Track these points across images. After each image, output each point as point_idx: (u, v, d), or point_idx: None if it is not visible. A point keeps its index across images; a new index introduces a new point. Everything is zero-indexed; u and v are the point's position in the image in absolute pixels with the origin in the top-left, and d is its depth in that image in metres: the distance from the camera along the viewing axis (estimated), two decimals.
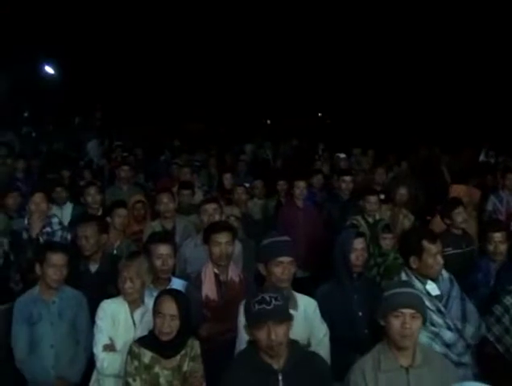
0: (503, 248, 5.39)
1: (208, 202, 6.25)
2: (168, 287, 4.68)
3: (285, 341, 3.19)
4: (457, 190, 7.50)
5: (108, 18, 23.81)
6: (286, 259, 4.11)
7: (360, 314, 4.48)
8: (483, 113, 19.28)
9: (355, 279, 4.67)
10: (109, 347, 4.24)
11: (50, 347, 4.53)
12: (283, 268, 4.09)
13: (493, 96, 19.36)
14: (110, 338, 4.27)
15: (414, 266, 4.31)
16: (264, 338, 3.13)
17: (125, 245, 6.12)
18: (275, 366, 3.20)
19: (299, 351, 3.34)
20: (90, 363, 4.49)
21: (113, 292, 4.56)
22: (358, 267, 4.67)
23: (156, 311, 3.87)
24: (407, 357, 3.36)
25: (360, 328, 4.41)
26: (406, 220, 7.30)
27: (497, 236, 5.44)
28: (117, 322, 4.31)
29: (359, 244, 4.72)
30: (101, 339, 4.25)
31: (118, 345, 4.26)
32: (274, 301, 3.14)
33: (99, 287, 4.90)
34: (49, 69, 26.76)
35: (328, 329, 4.27)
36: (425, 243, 4.31)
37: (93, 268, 5.36)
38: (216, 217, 5.99)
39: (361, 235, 4.85)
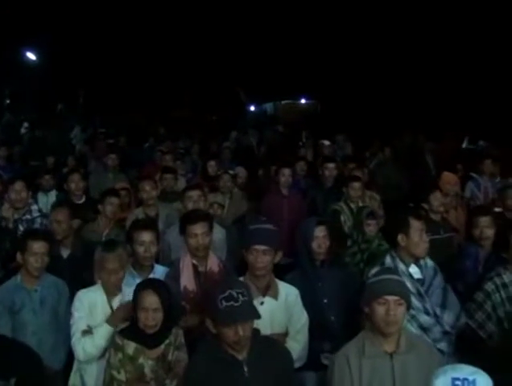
0: (490, 233, 5.38)
1: (193, 188, 6.21)
2: (151, 274, 4.67)
3: (250, 334, 3.20)
4: (448, 178, 7.49)
5: (90, 3, 23.56)
6: (260, 247, 4.08)
7: (325, 301, 4.48)
8: (466, 100, 19.34)
9: (318, 267, 4.67)
10: (88, 333, 4.21)
11: (32, 335, 4.51)
12: (257, 257, 4.07)
13: (475, 84, 19.42)
14: (89, 327, 4.24)
15: (402, 244, 4.33)
16: (231, 335, 3.13)
17: (115, 233, 6.06)
18: (240, 357, 3.21)
19: (261, 340, 3.35)
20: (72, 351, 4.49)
21: (88, 278, 4.59)
22: (321, 255, 4.66)
23: (139, 306, 3.83)
24: (392, 343, 3.37)
25: (326, 315, 4.42)
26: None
27: (484, 220, 5.43)
28: (95, 311, 4.29)
29: (320, 231, 4.69)
30: (78, 329, 4.22)
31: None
32: (241, 298, 3.13)
33: (71, 272, 4.93)
34: (31, 55, 26.49)
35: (307, 318, 4.27)
36: (411, 219, 4.37)
37: (65, 253, 5.36)
38: (201, 204, 5.96)
39: (322, 223, 4.81)
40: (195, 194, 6.04)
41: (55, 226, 5.39)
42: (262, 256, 4.09)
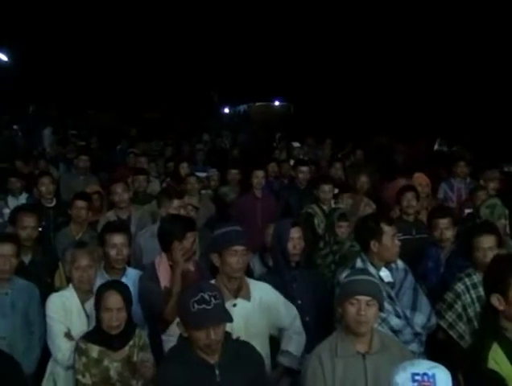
0: (449, 234, 5.42)
1: (177, 197, 6.13)
2: (123, 277, 4.66)
3: (222, 338, 3.18)
4: (419, 179, 7.59)
5: (61, 3, 23.37)
6: (239, 248, 4.07)
7: (299, 302, 4.51)
8: (438, 103, 19.54)
9: (293, 268, 4.71)
10: (69, 336, 4.18)
11: (2, 339, 4.44)
12: (237, 258, 4.04)
13: (446, 87, 19.64)
14: (68, 329, 4.21)
15: (375, 250, 4.36)
16: (203, 338, 3.09)
17: (89, 237, 6.01)
18: (211, 360, 3.17)
19: (233, 343, 3.33)
20: (44, 353, 4.45)
21: (48, 282, 4.67)
22: (296, 256, 4.70)
23: (102, 306, 3.84)
24: (364, 343, 3.39)
25: (301, 316, 4.41)
26: (367, 208, 7.34)
27: (443, 222, 5.45)
28: (70, 314, 4.26)
29: (295, 233, 4.73)
30: (60, 329, 4.19)
31: (74, 337, 4.18)
32: (213, 301, 3.09)
33: (34, 277, 4.90)
34: (2, 56, 26.20)
35: (297, 311, 4.32)
36: (383, 225, 4.39)
37: (26, 259, 5.31)
38: (182, 211, 5.94)
39: (297, 224, 4.87)
40: (182, 203, 6.00)
41: (20, 232, 5.33)
42: (241, 257, 4.07)
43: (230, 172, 8.82)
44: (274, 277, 4.61)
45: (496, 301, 3.06)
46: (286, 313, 4.26)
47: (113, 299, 3.82)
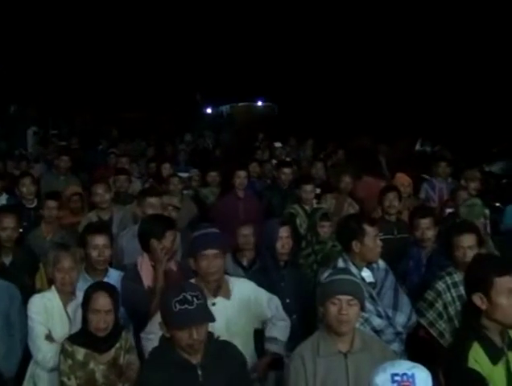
0: (430, 234, 5.44)
1: (154, 195, 6.09)
2: (105, 278, 4.62)
3: (205, 338, 3.17)
4: (401, 179, 7.65)
5: (40, 4, 23.23)
6: (210, 252, 4.02)
7: (287, 300, 4.55)
8: (419, 104, 19.65)
9: (281, 267, 4.77)
10: (50, 339, 4.17)
11: None
12: (209, 262, 4.00)
13: (427, 88, 19.76)
14: (49, 331, 4.20)
15: (356, 250, 4.39)
16: (186, 338, 3.09)
17: (60, 237, 5.99)
18: (193, 361, 3.17)
19: (214, 343, 3.32)
20: (25, 357, 4.40)
21: (29, 283, 4.66)
22: (284, 255, 4.77)
23: (91, 308, 3.81)
24: (346, 343, 3.40)
25: (288, 315, 4.43)
26: (350, 209, 7.36)
27: (424, 222, 5.46)
28: (51, 316, 4.24)
29: (284, 232, 4.81)
30: (41, 331, 4.18)
31: (55, 339, 4.17)
32: (196, 301, 3.08)
33: (15, 279, 4.86)
34: None
35: (279, 300, 4.33)
36: (366, 226, 4.42)
37: (7, 260, 5.29)
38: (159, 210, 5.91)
39: (285, 223, 4.94)
40: (156, 201, 5.97)
41: (0, 233, 5.30)
42: (214, 261, 4.02)
43: (210, 174, 8.83)
44: (259, 276, 4.64)
45: (478, 300, 3.08)
46: (268, 305, 4.26)
47: (102, 301, 3.79)
